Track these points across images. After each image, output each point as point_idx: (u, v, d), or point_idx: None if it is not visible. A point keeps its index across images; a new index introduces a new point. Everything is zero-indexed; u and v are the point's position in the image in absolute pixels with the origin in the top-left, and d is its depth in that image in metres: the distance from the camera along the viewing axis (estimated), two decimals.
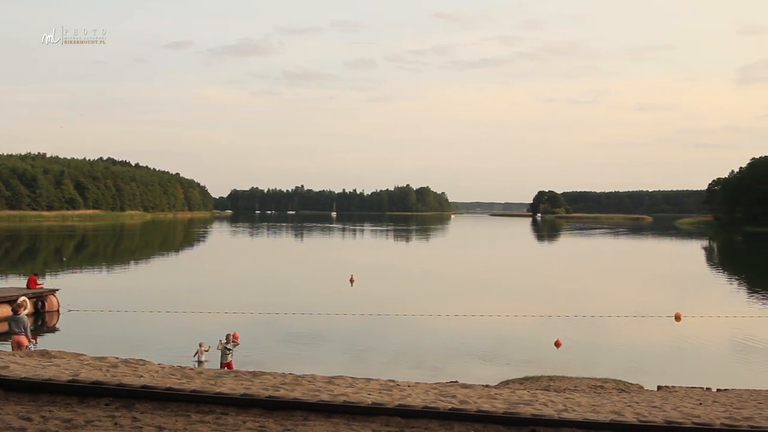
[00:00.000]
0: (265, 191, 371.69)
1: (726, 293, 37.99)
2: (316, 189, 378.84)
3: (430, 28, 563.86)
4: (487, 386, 12.89)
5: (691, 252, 79.08)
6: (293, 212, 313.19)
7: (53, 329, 24.12)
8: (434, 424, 7.10)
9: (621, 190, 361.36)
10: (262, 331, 22.99)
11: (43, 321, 25.41)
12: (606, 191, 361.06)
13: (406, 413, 7.37)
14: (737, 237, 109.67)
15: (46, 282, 30.14)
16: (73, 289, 31.95)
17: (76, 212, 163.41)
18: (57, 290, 27.88)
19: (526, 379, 16.27)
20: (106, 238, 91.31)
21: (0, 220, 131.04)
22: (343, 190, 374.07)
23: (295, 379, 10.55)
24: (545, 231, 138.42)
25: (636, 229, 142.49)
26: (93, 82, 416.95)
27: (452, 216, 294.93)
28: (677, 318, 26.88)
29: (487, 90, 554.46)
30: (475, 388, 11.69)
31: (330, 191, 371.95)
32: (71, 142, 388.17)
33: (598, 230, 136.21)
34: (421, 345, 21.47)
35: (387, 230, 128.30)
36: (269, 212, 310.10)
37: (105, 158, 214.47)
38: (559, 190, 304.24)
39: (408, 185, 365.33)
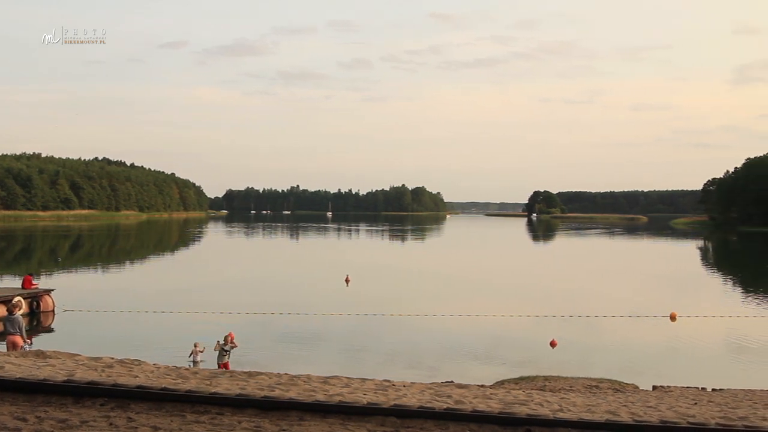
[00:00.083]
0: (261, 191, 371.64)
1: (721, 293, 38.13)
2: (312, 189, 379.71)
3: (425, 28, 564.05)
4: (482, 386, 12.90)
5: (687, 252, 79.29)
6: (289, 212, 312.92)
7: (48, 329, 24.07)
8: (430, 424, 7.10)
9: (616, 190, 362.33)
10: (258, 332, 22.96)
11: (38, 321, 25.35)
12: (601, 191, 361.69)
13: (401, 413, 7.38)
14: (732, 237, 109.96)
15: (42, 282, 30.02)
16: (69, 289, 31.92)
17: (72, 212, 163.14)
18: (52, 290, 27.83)
19: (521, 379, 16.30)
20: (101, 238, 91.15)
21: None
22: (339, 190, 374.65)
23: (291, 379, 10.55)
24: (540, 231, 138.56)
25: (631, 229, 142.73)
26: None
27: (447, 216, 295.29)
28: (672, 318, 26.93)
29: (482, 90, 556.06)
30: (470, 388, 11.71)
31: (326, 191, 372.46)
32: (68, 141, 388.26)
33: (593, 230, 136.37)
34: (416, 345, 21.48)
35: (382, 230, 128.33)
36: (265, 212, 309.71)
37: (100, 158, 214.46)
38: (554, 190, 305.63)
39: (403, 185, 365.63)
